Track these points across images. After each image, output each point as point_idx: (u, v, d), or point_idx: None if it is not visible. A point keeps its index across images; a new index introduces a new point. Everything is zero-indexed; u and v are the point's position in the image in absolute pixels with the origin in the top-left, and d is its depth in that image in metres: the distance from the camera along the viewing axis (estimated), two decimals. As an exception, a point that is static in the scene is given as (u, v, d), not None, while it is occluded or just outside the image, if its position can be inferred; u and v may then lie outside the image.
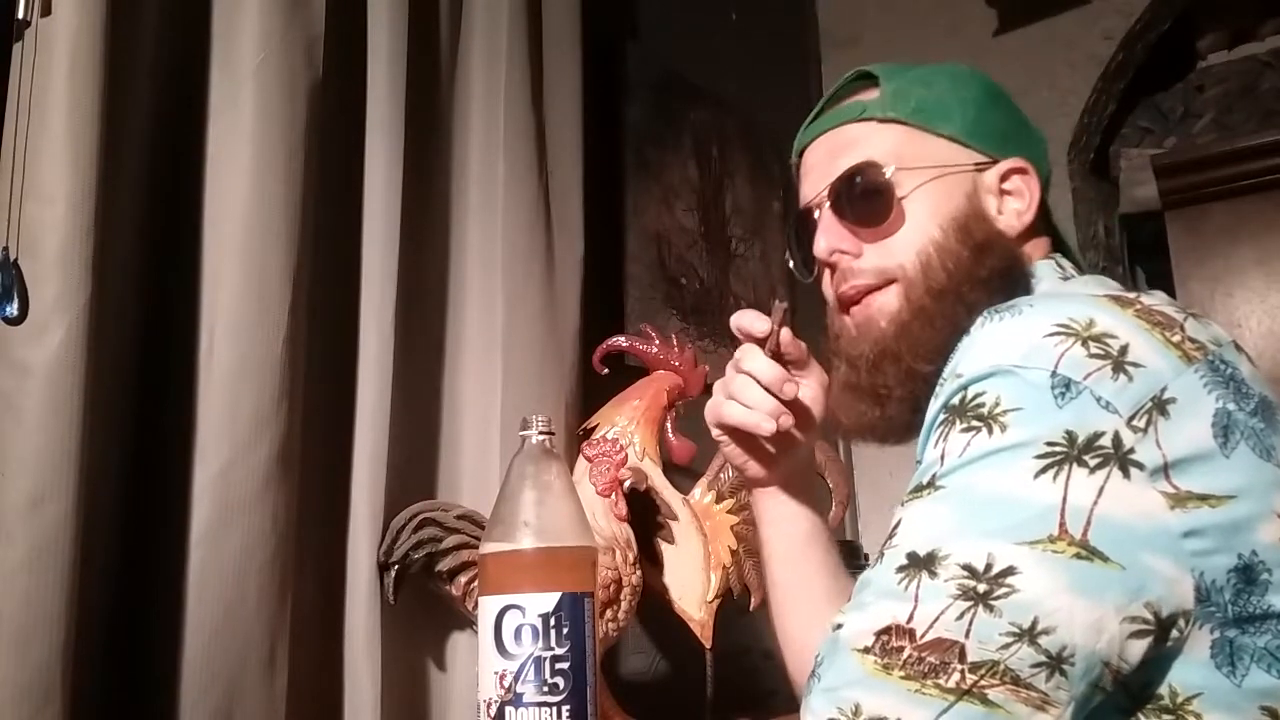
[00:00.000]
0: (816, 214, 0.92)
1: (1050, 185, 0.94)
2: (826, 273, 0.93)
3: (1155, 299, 0.74)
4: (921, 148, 0.89)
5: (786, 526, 1.00)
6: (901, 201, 0.88)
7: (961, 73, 0.94)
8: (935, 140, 0.89)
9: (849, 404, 0.90)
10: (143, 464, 1.03)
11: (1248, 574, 0.65)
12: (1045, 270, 0.88)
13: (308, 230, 1.12)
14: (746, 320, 0.92)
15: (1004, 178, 0.89)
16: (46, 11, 0.92)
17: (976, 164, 0.89)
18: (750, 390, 0.90)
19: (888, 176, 0.88)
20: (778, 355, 0.92)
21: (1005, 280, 0.84)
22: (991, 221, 0.88)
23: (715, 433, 0.97)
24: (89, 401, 0.91)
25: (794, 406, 0.91)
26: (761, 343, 0.91)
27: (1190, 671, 0.65)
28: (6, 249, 0.90)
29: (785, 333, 0.92)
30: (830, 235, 0.90)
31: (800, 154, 0.97)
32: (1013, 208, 0.89)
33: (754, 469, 0.98)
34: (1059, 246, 0.93)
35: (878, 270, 0.88)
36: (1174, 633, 0.65)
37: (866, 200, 0.88)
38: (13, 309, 0.89)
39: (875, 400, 0.87)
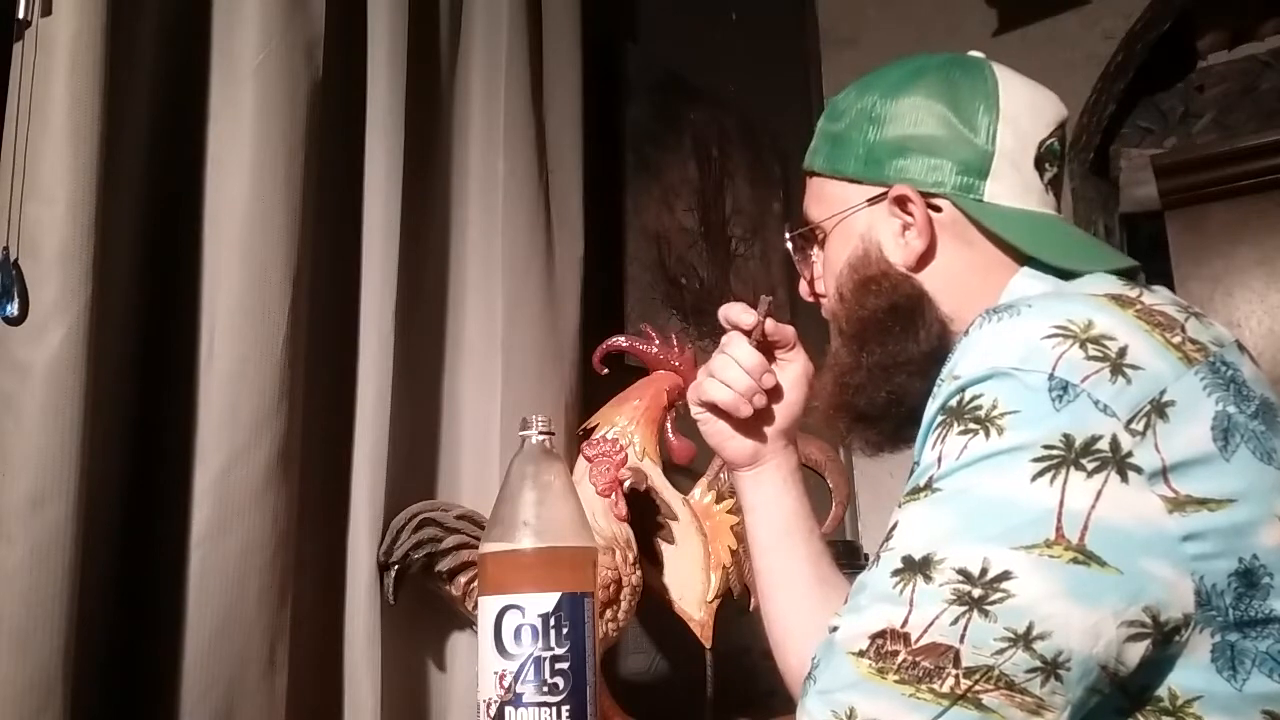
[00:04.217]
0: None
1: (1007, 169, 0.86)
2: None
3: (1158, 298, 0.73)
4: (827, 195, 0.94)
5: (766, 512, 1.02)
6: (811, 258, 0.98)
7: (873, 87, 0.91)
8: (838, 185, 0.93)
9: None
10: (143, 464, 1.03)
11: (1249, 578, 0.65)
12: (1036, 271, 0.84)
13: (308, 230, 1.12)
14: (734, 312, 0.99)
15: (897, 203, 0.88)
16: (47, 11, 0.92)
17: (870, 198, 0.90)
18: (731, 370, 0.97)
19: (797, 237, 0.98)
20: (763, 345, 0.99)
21: (893, 315, 0.87)
22: (881, 256, 0.89)
23: (695, 411, 1.02)
24: (89, 401, 0.91)
25: (772, 390, 0.98)
26: (748, 333, 0.98)
27: (1190, 674, 0.65)
28: (6, 249, 0.90)
29: (770, 322, 0.99)
30: (803, 284, 1.02)
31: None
32: (913, 229, 0.88)
33: (732, 450, 1.02)
34: (1047, 240, 0.87)
35: (829, 314, 0.97)
36: (1174, 636, 0.65)
37: (798, 259, 1.00)
38: (13, 309, 0.89)
39: (829, 424, 0.95)
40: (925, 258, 0.87)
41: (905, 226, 0.88)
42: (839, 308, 0.92)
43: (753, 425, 1.00)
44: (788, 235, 0.99)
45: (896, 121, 0.89)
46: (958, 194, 0.87)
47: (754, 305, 0.99)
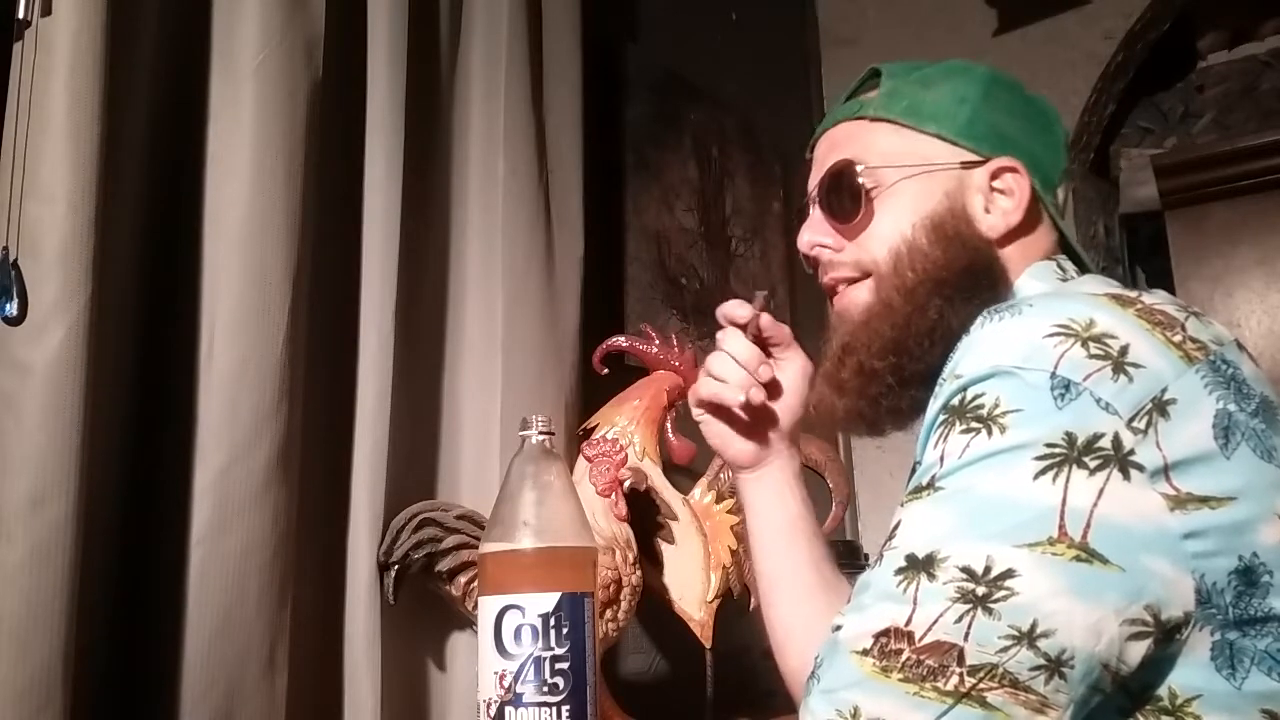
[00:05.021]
0: (810, 208, 0.95)
1: (1063, 185, 0.94)
2: (820, 265, 0.96)
3: (1157, 298, 0.73)
4: (906, 146, 0.90)
5: (769, 515, 1.01)
6: (875, 199, 0.90)
7: (969, 71, 0.93)
8: (922, 138, 0.90)
9: (818, 391, 0.93)
10: (143, 464, 1.03)
11: (1248, 576, 0.65)
12: (1042, 271, 0.87)
13: (308, 230, 1.12)
14: (730, 307, 0.98)
15: (994, 176, 0.89)
16: (47, 11, 0.92)
17: (964, 162, 0.89)
18: (726, 366, 0.95)
19: (860, 174, 0.90)
20: (760, 340, 0.97)
21: (975, 280, 0.84)
22: (971, 220, 0.88)
23: (696, 412, 1.01)
24: (89, 401, 0.91)
25: (771, 386, 0.96)
26: (744, 328, 0.97)
27: (1190, 673, 0.65)
28: (6, 249, 0.90)
29: (765, 317, 0.97)
30: (813, 229, 0.94)
31: (812, 148, 0.99)
32: (1001, 206, 0.88)
33: (735, 451, 1.01)
34: (1068, 248, 0.93)
35: (854, 263, 0.92)
36: (1175, 635, 0.65)
37: (842, 197, 0.91)
38: (13, 309, 0.89)
39: (838, 391, 0.89)
40: (1014, 233, 0.88)
41: (989, 200, 0.88)
42: (904, 253, 0.87)
43: (754, 426, 0.99)
44: (859, 167, 0.90)
45: (997, 103, 0.91)
46: (1043, 190, 0.90)
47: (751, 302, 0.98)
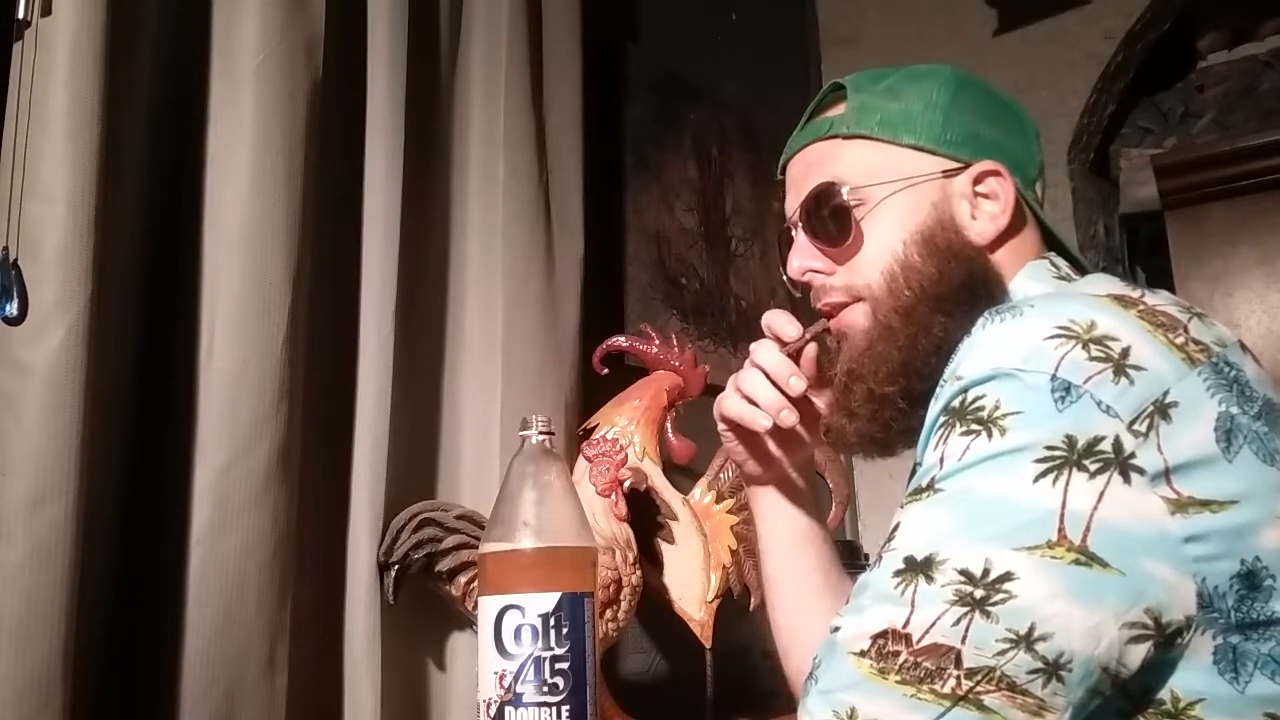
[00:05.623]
0: (793, 232, 0.93)
1: (1039, 180, 0.93)
2: (812, 290, 0.93)
3: (1160, 298, 0.73)
4: (886, 161, 0.88)
5: (780, 522, 1.01)
6: (862, 220, 0.87)
7: (935, 76, 0.91)
8: (900, 152, 0.88)
9: (832, 419, 0.90)
10: (143, 464, 1.03)
11: (1251, 580, 0.65)
12: (1038, 271, 0.87)
13: (308, 230, 1.12)
14: (779, 321, 0.94)
15: (976, 180, 0.87)
16: (46, 11, 0.92)
17: (945, 171, 0.87)
18: (756, 384, 0.93)
19: (844, 196, 0.88)
20: (794, 360, 0.93)
21: (973, 291, 0.83)
22: (961, 230, 0.86)
23: (720, 426, 0.98)
24: (89, 401, 0.91)
25: (802, 408, 0.93)
26: (784, 344, 0.93)
27: (1192, 677, 0.65)
28: (6, 249, 0.90)
29: (811, 348, 0.93)
30: (801, 255, 0.91)
31: (783, 170, 0.97)
32: (987, 211, 0.87)
33: (752, 466, 1.00)
34: (1054, 245, 0.92)
35: (847, 288, 0.89)
36: (1176, 639, 0.65)
37: (828, 221, 0.89)
38: (13, 309, 0.89)
39: (849, 418, 0.87)
40: (1003, 236, 0.87)
41: (975, 206, 0.87)
42: (898, 272, 0.85)
43: (777, 442, 0.98)
44: (843, 189, 0.87)
45: (969, 106, 0.89)
46: (1024, 187, 0.89)
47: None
